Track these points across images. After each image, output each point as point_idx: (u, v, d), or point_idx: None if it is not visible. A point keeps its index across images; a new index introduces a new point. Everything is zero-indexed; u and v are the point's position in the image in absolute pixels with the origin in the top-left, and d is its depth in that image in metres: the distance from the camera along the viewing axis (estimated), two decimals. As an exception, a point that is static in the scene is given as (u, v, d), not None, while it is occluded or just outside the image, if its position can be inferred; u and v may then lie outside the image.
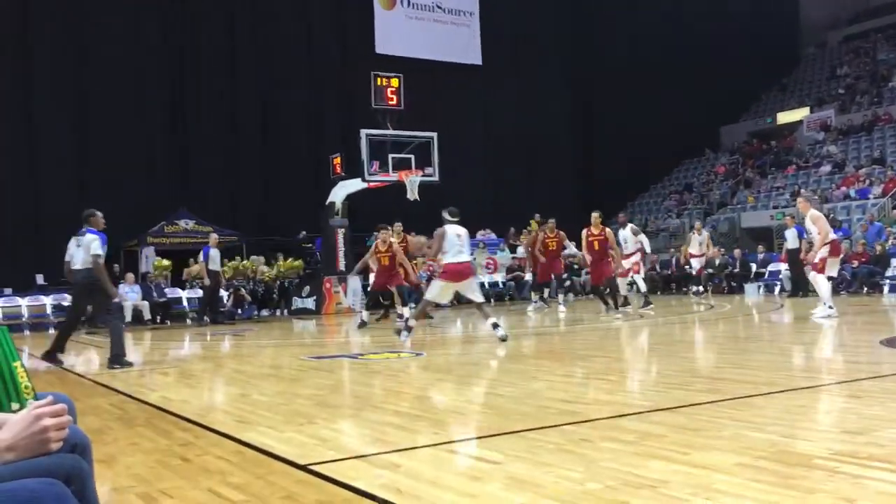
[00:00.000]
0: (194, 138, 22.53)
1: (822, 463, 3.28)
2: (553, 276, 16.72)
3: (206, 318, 16.39)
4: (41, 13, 20.78)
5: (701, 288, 19.34)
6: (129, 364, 8.60)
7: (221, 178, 22.66)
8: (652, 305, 14.69)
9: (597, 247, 13.84)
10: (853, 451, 3.44)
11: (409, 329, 9.80)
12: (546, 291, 17.25)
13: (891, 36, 33.46)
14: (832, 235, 11.78)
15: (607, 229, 14.13)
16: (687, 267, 20.13)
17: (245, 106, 23.71)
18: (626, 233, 14.99)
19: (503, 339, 9.37)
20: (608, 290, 14.36)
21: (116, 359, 8.53)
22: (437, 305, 12.75)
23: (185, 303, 18.16)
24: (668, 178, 32.48)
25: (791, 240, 17.43)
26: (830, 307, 11.10)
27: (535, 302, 16.61)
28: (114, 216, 20.28)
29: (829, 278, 11.61)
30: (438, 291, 9.81)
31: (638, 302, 14.61)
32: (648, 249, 16.07)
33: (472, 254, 10.51)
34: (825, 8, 37.07)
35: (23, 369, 1.82)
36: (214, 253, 16.36)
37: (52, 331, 16.60)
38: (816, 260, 11.41)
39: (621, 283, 14.73)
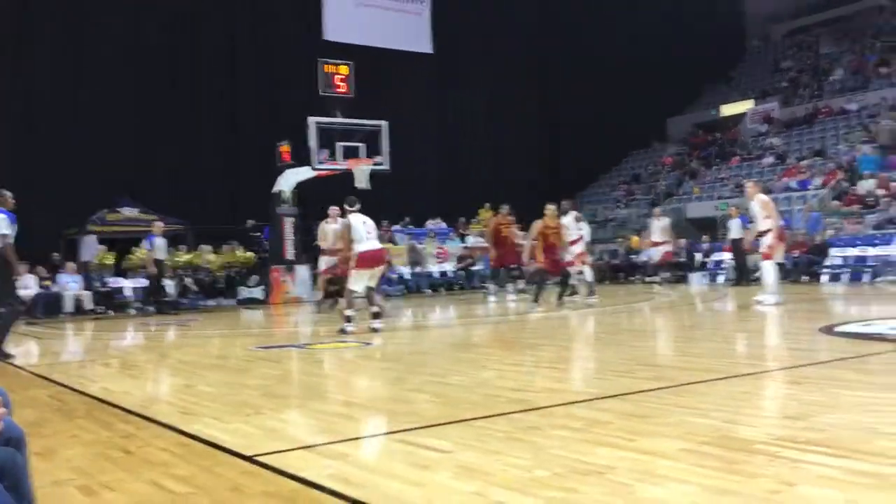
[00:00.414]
0: (141, 125, 22.04)
1: (763, 448, 3.35)
2: (504, 265, 16.77)
3: (150, 307, 16.15)
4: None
5: (660, 277, 18.96)
6: (11, 356, 8.37)
7: (167, 167, 22.21)
8: (596, 296, 14.32)
9: (551, 239, 13.88)
10: (793, 436, 3.52)
11: (348, 320, 9.83)
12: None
13: (833, 30, 34.25)
14: (779, 222, 12.01)
15: (562, 220, 14.14)
16: (642, 256, 19.83)
17: (189, 92, 23.26)
18: (567, 220, 14.68)
19: (374, 331, 9.68)
20: (538, 282, 14.31)
21: None
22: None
23: (128, 292, 17.77)
24: (616, 169, 32.83)
25: (735, 230, 17.80)
26: (773, 293, 11.39)
27: (488, 290, 16.73)
28: (54, 203, 19.91)
29: (778, 265, 11.88)
30: (356, 280, 9.90)
31: (584, 291, 14.65)
32: (588, 238, 15.74)
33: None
34: (769, 2, 37.77)
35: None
36: (160, 241, 16.13)
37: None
38: (764, 248, 11.63)
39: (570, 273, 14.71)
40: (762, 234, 11.94)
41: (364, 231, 9.89)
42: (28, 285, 16.49)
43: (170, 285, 17.50)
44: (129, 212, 19.78)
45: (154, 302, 16.45)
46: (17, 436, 1.81)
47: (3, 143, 19.93)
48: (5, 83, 20.30)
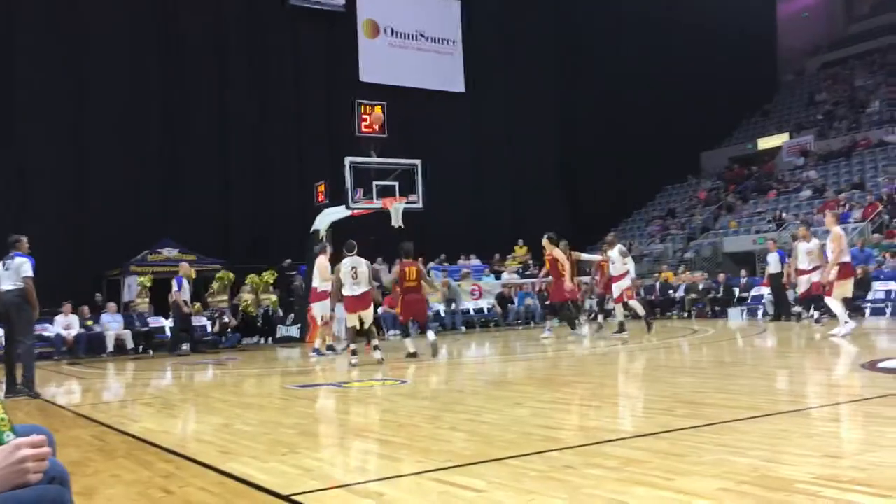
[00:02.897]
0: (179, 167, 22.51)
1: (804, 487, 3.29)
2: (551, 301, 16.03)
3: (183, 346, 16.35)
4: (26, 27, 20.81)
5: (816, 313, 15.04)
6: (37, 395, 8.76)
7: (207, 207, 22.61)
8: (626, 333, 14.23)
9: (547, 266, 15.11)
10: (834, 475, 3.46)
11: (353, 353, 10.99)
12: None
13: (868, 62, 34.02)
14: (845, 258, 11.77)
15: (556, 250, 14.26)
16: (789, 289, 16.68)
17: (231, 134, 23.74)
18: (613, 254, 14.52)
19: (380, 361, 10.78)
20: (565, 310, 15.07)
21: (29, 384, 8.76)
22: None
23: (167, 332, 18.01)
24: (650, 204, 32.72)
25: (773, 264, 17.56)
26: (847, 322, 11.58)
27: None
28: (97, 245, 20.33)
29: (845, 300, 11.83)
30: (349, 320, 11.38)
31: (616, 327, 14.57)
32: (633, 273, 15.38)
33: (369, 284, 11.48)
34: (803, 36, 37.68)
35: (-1, 402, 1.81)
36: (187, 284, 16.27)
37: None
38: (827, 281, 11.74)
39: (617, 308, 14.80)
40: (820, 268, 12.05)
41: (350, 275, 10.94)
42: (71, 325, 16.83)
43: (205, 324, 17.72)
44: (169, 252, 20.13)
45: (186, 341, 16.65)
46: (61, 475, 1.86)
47: (47, 186, 20.48)
48: (56, 131, 20.91)
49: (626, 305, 14.96)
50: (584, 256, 17.32)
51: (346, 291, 11.07)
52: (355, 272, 11.00)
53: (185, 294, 16.02)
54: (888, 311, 17.08)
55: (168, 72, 22.89)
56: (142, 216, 21.22)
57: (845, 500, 3.08)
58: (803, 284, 15.04)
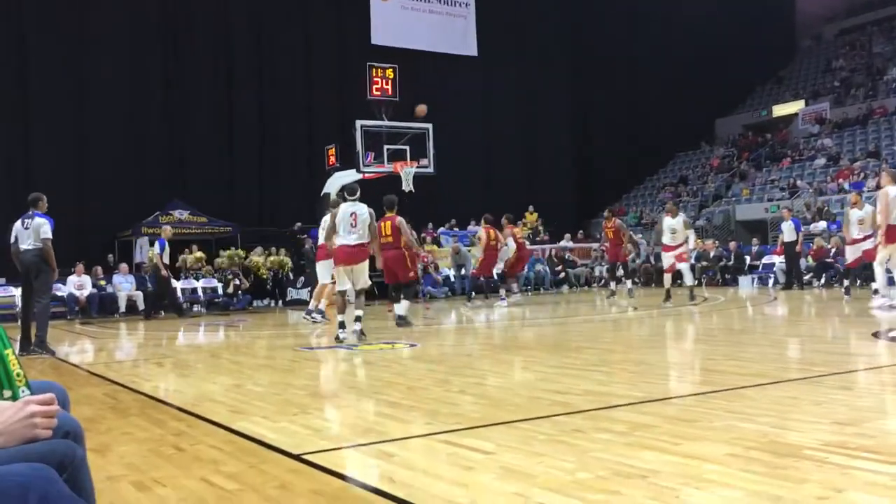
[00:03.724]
0: (190, 129, 22.47)
1: (812, 453, 3.30)
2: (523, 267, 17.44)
3: (161, 311, 16.18)
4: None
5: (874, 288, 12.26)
6: (52, 352, 8.82)
7: (217, 170, 22.62)
8: (696, 301, 13.94)
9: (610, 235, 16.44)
10: (842, 442, 3.47)
11: (341, 326, 9.37)
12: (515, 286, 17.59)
13: (886, 29, 33.49)
14: (893, 220, 10.96)
15: (674, 221, 13.87)
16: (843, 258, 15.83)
17: (241, 96, 23.66)
18: (675, 223, 13.72)
19: (360, 336, 9.19)
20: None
21: (41, 343, 8.87)
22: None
23: (178, 293, 18.12)
24: (662, 171, 32.52)
25: (788, 232, 17.47)
26: (884, 297, 11.17)
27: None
28: (109, 206, 20.45)
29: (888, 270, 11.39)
30: (338, 277, 9.69)
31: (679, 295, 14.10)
32: (692, 245, 14.87)
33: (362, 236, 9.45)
34: (821, 1, 37.07)
35: (14, 357, 1.83)
36: (167, 246, 15.93)
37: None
38: (870, 247, 11.53)
39: (666, 277, 14.37)
40: (872, 236, 11.70)
41: (349, 222, 9.33)
42: (83, 285, 16.95)
43: (215, 286, 17.80)
44: (180, 214, 20.18)
45: (165, 304, 16.31)
46: (74, 429, 1.87)
47: (59, 146, 20.51)
48: (64, 93, 20.87)
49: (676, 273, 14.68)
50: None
51: (338, 240, 9.41)
52: (354, 218, 9.35)
53: (167, 257, 15.72)
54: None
55: (176, 36, 22.76)
56: (153, 178, 21.27)
57: (853, 467, 3.09)
58: (853, 253, 13.49)
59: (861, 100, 29.32)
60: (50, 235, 8.94)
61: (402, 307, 11.27)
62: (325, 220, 10.80)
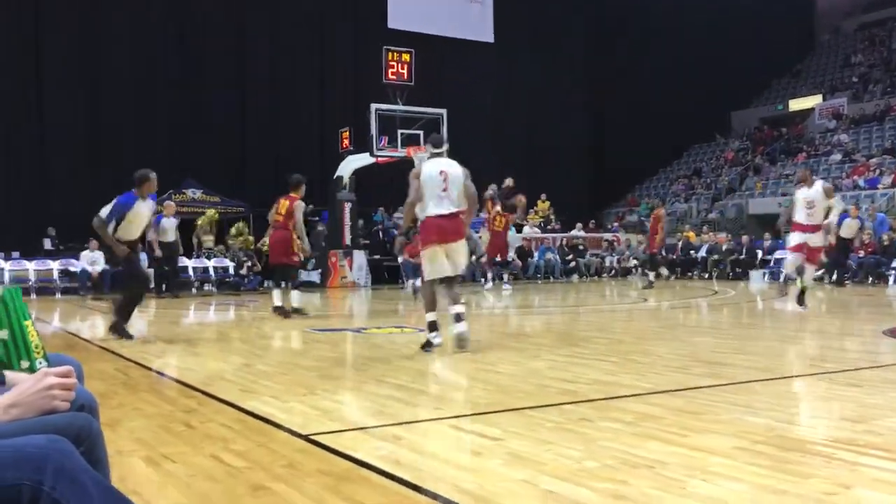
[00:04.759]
0: (204, 108, 22.50)
1: (819, 449, 3.31)
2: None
3: (162, 291, 15.62)
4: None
5: None
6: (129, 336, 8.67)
7: (230, 150, 22.65)
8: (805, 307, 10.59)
9: (498, 224, 15.84)
10: (850, 439, 3.47)
11: (432, 328, 6.84)
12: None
13: (907, 25, 33.16)
14: None
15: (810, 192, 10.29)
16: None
17: (255, 77, 23.66)
18: (812, 193, 10.26)
19: (460, 341, 6.77)
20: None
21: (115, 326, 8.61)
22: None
23: (190, 272, 18.18)
24: (677, 163, 32.36)
25: (848, 228, 17.24)
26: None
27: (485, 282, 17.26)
28: (126, 184, 20.52)
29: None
30: (429, 262, 6.87)
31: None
32: (835, 219, 11.10)
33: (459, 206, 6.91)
34: (842, -5, 36.74)
35: (33, 328, 1.85)
36: (168, 223, 15.35)
37: (58, 295, 16.72)
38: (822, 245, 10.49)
39: (808, 269, 10.70)
40: None
41: (436, 186, 6.75)
42: (96, 261, 17.03)
43: (227, 265, 17.79)
44: (193, 193, 20.23)
45: (166, 284, 15.73)
46: (90, 403, 1.90)
47: (75, 123, 20.61)
48: (75, 67, 20.94)
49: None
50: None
51: (429, 209, 6.77)
52: (445, 178, 6.76)
53: (170, 235, 15.21)
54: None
55: (188, 12, 22.76)
56: (167, 156, 21.29)
57: (860, 464, 3.09)
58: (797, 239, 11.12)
59: (879, 96, 29.07)
60: (102, 214, 7.99)
61: (296, 297, 10.71)
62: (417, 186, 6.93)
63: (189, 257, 18.62)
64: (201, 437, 3.76)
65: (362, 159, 18.12)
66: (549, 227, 24.38)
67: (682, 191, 29.06)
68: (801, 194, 10.41)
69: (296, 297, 10.76)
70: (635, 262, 23.64)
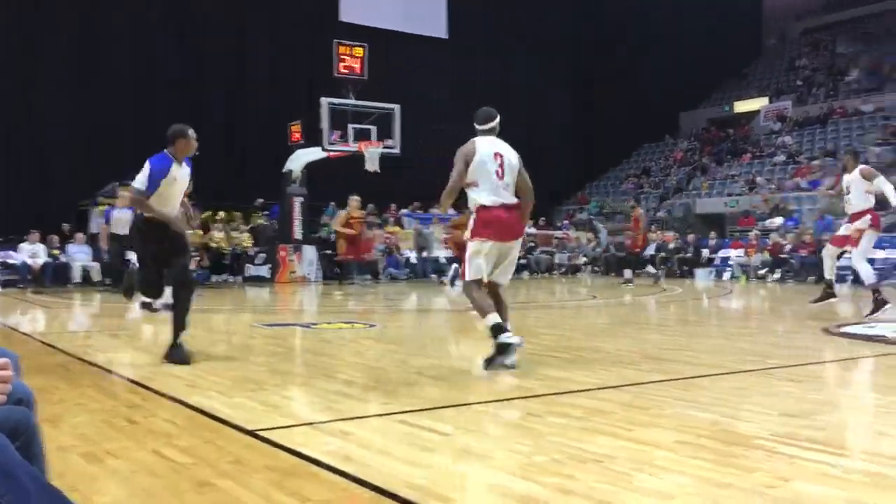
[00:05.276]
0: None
1: (761, 443, 3.37)
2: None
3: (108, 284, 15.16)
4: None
5: None
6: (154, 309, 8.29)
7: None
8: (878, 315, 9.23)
9: (356, 228, 15.84)
10: (791, 433, 3.55)
11: (498, 331, 5.45)
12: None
13: (850, 30, 34.02)
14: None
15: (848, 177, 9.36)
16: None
17: (205, 68, 23.25)
18: (853, 178, 9.27)
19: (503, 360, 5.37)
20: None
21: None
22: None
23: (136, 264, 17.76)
24: (626, 162, 32.76)
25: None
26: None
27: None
28: (70, 174, 20.06)
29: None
30: (473, 258, 5.57)
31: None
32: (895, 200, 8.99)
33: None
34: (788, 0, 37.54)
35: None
36: (119, 214, 14.14)
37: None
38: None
39: (825, 258, 10.11)
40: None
41: (491, 169, 5.64)
42: (37, 253, 16.61)
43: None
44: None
45: (113, 278, 14.83)
46: (27, 396, 1.84)
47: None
48: (22, 54, 20.43)
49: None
50: None
51: (485, 196, 5.57)
52: (500, 163, 5.70)
53: (122, 227, 13.51)
54: (850, 277, 17.35)
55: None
56: (115, 146, 20.84)
57: (801, 458, 3.16)
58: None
59: (822, 99, 29.80)
60: (138, 185, 6.22)
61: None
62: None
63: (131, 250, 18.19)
64: (144, 432, 3.69)
65: (313, 153, 17.95)
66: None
67: (632, 189, 29.43)
68: (845, 179, 9.40)
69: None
70: (584, 259, 23.92)
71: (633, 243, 17.76)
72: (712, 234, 22.03)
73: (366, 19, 24.66)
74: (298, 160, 18.58)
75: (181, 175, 6.45)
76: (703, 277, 19.92)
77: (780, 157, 26.52)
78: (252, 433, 3.61)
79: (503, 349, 5.25)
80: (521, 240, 5.79)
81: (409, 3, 26.69)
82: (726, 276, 19.76)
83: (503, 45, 28.25)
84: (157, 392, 4.68)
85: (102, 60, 21.38)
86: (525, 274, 21.98)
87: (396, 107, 17.74)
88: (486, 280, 5.59)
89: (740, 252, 20.07)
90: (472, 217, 5.62)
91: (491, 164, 5.62)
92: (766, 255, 19.31)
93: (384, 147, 17.34)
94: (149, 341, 7.68)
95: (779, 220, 21.39)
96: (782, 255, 18.97)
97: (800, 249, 18.63)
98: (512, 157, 5.82)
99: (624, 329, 8.93)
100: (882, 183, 9.08)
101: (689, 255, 21.05)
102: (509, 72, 28.46)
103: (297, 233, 18.75)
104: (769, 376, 5.32)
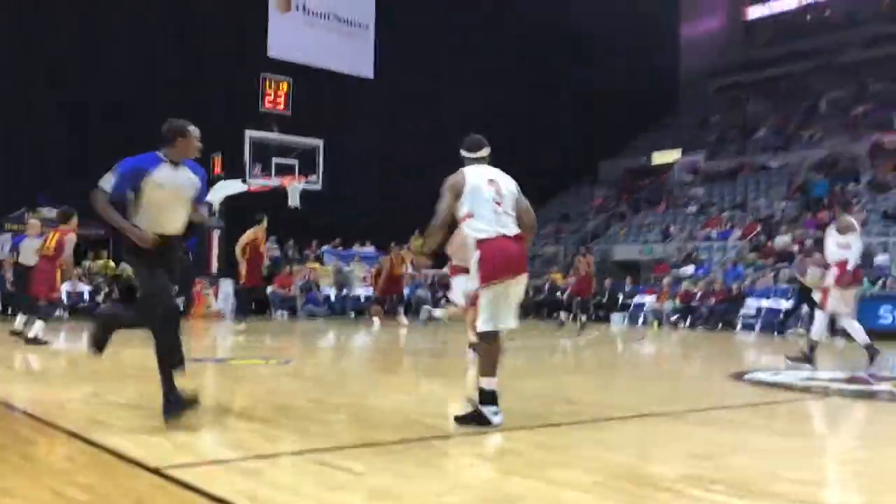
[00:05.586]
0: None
1: (670, 485, 3.43)
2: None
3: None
4: None
5: None
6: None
7: (93, 170, 21.60)
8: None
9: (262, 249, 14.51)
10: (699, 475, 3.62)
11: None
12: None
13: (763, 90, 35.69)
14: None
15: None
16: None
17: (124, 92, 22.75)
18: (830, 228, 9.27)
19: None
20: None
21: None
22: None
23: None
24: (548, 206, 33.36)
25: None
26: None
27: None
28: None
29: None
30: (493, 305, 4.87)
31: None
32: (856, 259, 8.87)
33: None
34: (705, 57, 39.17)
35: None
36: (29, 244, 12.10)
37: None
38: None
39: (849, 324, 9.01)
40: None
41: (490, 197, 4.99)
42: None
43: (82, 290, 16.94)
44: (48, 212, 19.10)
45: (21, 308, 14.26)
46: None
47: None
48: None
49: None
50: None
51: (486, 228, 4.91)
52: (497, 189, 5.05)
53: (30, 258, 11.53)
54: (757, 325, 17.99)
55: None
56: (25, 172, 20.19)
57: (707, 499, 3.23)
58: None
59: (733, 154, 31.08)
60: (102, 183, 5.64)
61: (38, 328, 9.95)
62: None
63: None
64: (43, 469, 3.52)
65: (234, 186, 17.72)
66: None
67: (551, 233, 29.93)
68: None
69: (39, 327, 10.02)
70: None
71: (579, 288, 17.66)
72: (628, 279, 22.54)
73: (293, 56, 24.60)
74: (218, 192, 18.28)
75: (178, 180, 5.20)
76: (617, 322, 20.31)
77: (693, 208, 27.44)
78: (157, 471, 3.48)
79: (482, 421, 4.67)
80: (525, 273, 5.04)
81: (336, 42, 26.77)
82: (640, 321, 20.21)
83: (426, 91, 28.58)
84: (57, 427, 4.47)
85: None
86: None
87: (320, 142, 17.72)
88: (511, 327, 4.97)
89: (653, 298, 20.57)
90: (474, 258, 4.87)
91: (486, 192, 4.96)
92: (678, 303, 19.85)
93: (307, 182, 17.25)
94: (49, 374, 7.36)
95: (690, 269, 22.06)
96: (693, 304, 19.52)
97: (709, 297, 19.22)
98: (509, 183, 5.16)
99: (540, 370, 9.01)
100: (854, 240, 8.81)
101: (604, 300, 21.46)
102: (434, 113, 28.76)
103: (214, 266, 18.39)
104: (679, 420, 5.43)
